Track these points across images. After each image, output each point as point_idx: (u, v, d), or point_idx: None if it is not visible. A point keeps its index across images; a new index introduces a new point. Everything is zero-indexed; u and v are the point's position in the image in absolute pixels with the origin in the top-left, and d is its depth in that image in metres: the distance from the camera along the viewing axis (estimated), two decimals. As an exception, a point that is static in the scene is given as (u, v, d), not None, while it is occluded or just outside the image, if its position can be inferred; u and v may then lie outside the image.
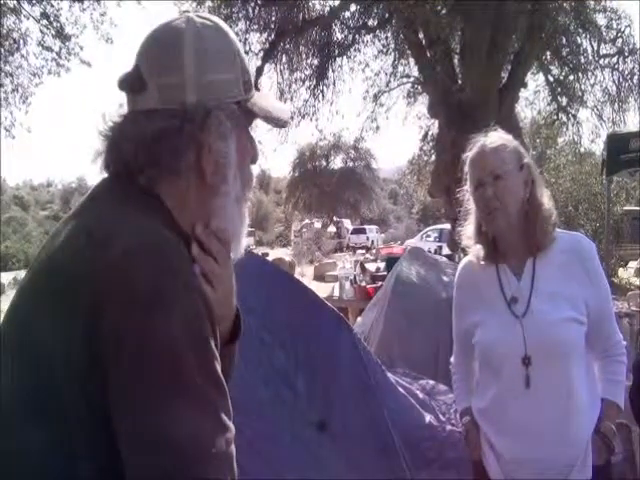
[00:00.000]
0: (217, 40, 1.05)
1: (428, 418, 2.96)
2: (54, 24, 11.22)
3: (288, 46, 12.62)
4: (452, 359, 2.29)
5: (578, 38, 12.52)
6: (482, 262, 2.07)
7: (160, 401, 0.84)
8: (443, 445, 2.85)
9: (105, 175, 1.07)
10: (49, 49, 11.41)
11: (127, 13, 12.99)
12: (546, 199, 2.02)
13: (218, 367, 0.92)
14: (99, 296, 0.86)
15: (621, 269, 13.94)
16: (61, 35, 11.28)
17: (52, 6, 11.20)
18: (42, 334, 0.89)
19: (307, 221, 39.21)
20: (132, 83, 1.04)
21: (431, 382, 3.46)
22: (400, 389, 3.07)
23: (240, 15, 11.90)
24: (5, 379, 0.92)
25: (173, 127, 1.00)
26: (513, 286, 2.00)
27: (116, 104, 1.07)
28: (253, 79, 1.11)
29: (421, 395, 3.16)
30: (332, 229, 37.71)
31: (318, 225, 37.79)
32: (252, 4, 11.84)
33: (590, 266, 2.00)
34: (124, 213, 0.97)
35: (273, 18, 12.00)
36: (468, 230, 2.11)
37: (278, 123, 1.16)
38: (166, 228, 0.97)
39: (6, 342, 0.94)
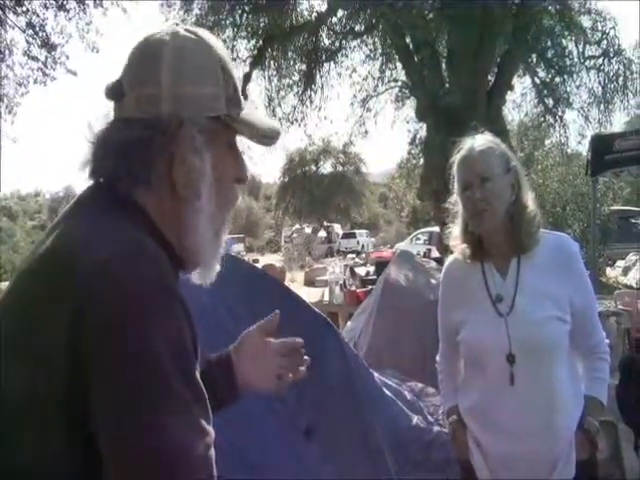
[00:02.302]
0: (197, 54, 1.05)
1: (415, 420, 2.97)
2: (40, 34, 11.18)
3: (276, 52, 12.64)
4: (438, 357, 2.30)
5: (563, 40, 12.59)
6: (468, 260, 2.09)
7: (140, 406, 0.85)
8: (430, 447, 2.85)
9: (89, 183, 1.07)
10: (35, 59, 11.36)
11: (113, 22, 12.98)
12: (531, 202, 2.04)
13: (197, 374, 0.93)
14: (82, 301, 0.87)
15: (609, 268, 14.04)
16: (47, 45, 11.24)
17: (38, 16, 11.17)
18: (26, 337, 0.90)
19: (297, 226, 39.14)
20: (113, 93, 1.06)
21: (420, 385, 3.47)
22: (387, 392, 3.07)
23: (228, 22, 11.92)
24: None
25: (145, 137, 1.00)
26: (498, 284, 2.02)
27: (102, 113, 1.08)
28: (241, 94, 1.10)
29: (409, 396, 3.17)
30: (322, 234, 37.64)
31: (308, 230, 37.71)
32: (239, 11, 11.86)
33: (574, 266, 2.02)
34: (107, 221, 0.97)
35: (261, 25, 12.02)
36: (455, 231, 2.13)
37: (263, 142, 1.12)
38: (148, 236, 0.97)
39: None
